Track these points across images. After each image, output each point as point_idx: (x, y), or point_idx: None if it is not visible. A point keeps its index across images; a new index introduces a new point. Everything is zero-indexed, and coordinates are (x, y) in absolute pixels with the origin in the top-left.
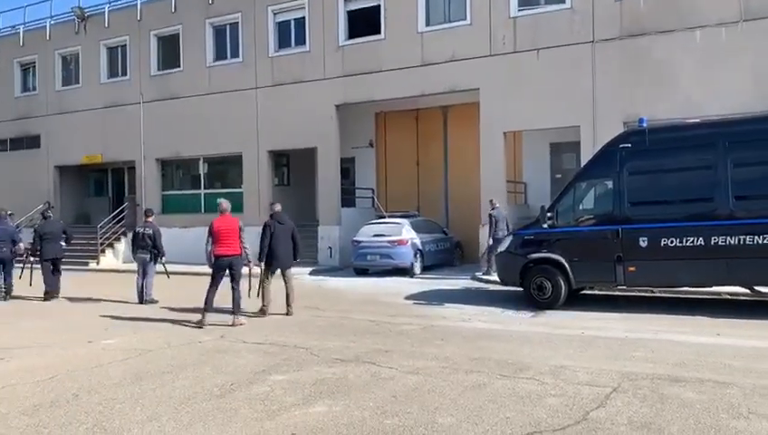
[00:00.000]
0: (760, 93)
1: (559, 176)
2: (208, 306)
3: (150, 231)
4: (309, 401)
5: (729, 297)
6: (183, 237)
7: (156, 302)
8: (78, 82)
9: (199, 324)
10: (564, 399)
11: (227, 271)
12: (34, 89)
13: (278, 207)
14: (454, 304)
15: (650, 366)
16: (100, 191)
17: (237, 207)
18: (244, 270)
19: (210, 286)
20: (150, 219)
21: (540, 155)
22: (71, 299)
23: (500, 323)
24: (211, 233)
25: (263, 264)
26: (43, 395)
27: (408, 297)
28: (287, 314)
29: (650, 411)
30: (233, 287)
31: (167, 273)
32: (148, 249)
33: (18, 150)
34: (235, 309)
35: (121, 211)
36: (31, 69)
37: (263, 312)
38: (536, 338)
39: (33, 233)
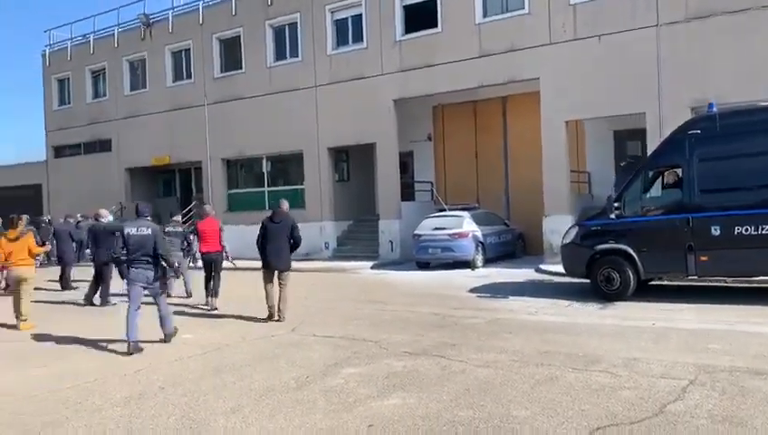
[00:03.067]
0: None
1: (623, 164)
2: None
3: (148, 231)
4: (383, 393)
5: None
6: (248, 235)
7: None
8: (145, 87)
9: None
10: (639, 391)
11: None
12: (105, 94)
13: (284, 205)
14: (518, 296)
15: (728, 358)
16: (168, 191)
17: (299, 203)
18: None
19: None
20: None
21: (603, 143)
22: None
23: (567, 316)
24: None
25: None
26: (132, 388)
27: (471, 290)
28: (278, 320)
29: (731, 404)
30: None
31: (232, 262)
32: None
33: (91, 154)
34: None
35: (190, 209)
36: (101, 75)
37: (270, 315)
38: (606, 330)
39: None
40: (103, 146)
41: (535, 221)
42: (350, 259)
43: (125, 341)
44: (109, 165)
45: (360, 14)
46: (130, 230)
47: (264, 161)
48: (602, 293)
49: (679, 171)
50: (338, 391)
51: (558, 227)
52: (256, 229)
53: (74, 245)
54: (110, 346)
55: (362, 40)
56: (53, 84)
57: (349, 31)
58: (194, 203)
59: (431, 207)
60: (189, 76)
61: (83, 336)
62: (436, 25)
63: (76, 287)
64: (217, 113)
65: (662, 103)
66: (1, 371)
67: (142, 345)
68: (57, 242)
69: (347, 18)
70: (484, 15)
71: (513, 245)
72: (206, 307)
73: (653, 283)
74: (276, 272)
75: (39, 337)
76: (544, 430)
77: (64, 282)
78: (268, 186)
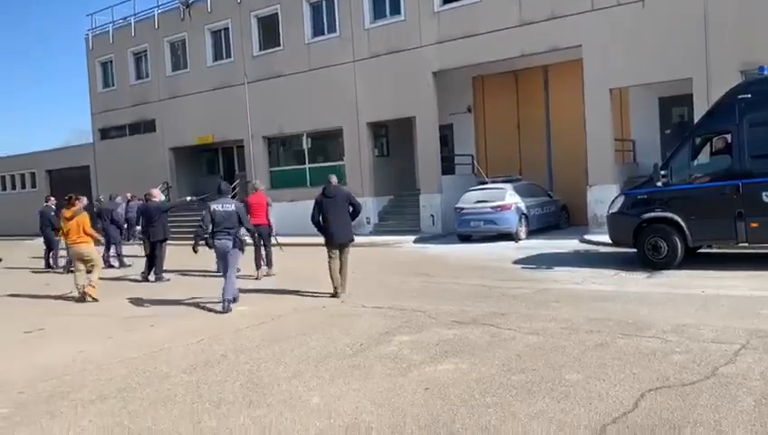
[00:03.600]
0: None
1: (668, 132)
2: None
3: (233, 208)
4: (436, 359)
5: None
6: (292, 211)
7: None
8: (186, 67)
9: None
10: (690, 355)
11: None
12: (147, 76)
13: (333, 179)
14: (563, 266)
15: None
16: (212, 170)
17: (340, 179)
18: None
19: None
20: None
21: (648, 111)
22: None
23: (614, 285)
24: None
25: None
26: (196, 356)
27: (515, 262)
28: (333, 296)
29: None
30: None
31: (279, 245)
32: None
33: (136, 135)
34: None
35: (234, 188)
36: (143, 57)
37: (335, 294)
38: (654, 298)
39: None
40: (147, 127)
41: (579, 192)
42: (392, 234)
43: (184, 312)
44: (153, 145)
45: None
46: (216, 207)
47: (304, 138)
48: (649, 262)
49: (728, 137)
50: (392, 357)
51: (603, 196)
52: (299, 206)
53: (114, 225)
54: (171, 318)
55: (400, 12)
56: (97, 67)
57: (386, 3)
58: (237, 181)
59: (472, 181)
60: (229, 55)
61: (143, 310)
62: None
63: (130, 265)
64: (258, 91)
65: (710, 67)
66: (69, 342)
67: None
68: (101, 221)
69: None
70: None
71: (557, 216)
72: (255, 279)
73: (701, 251)
74: (340, 245)
75: (101, 311)
76: (597, 391)
77: (114, 259)
78: (309, 162)
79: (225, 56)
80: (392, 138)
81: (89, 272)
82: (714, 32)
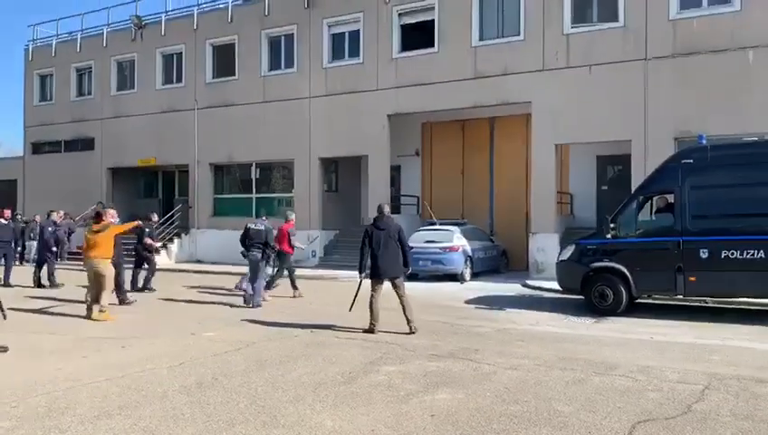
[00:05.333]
0: None
1: (605, 188)
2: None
3: (263, 227)
4: (429, 389)
5: None
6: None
7: (260, 305)
8: (133, 88)
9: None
10: (663, 393)
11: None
12: (90, 93)
13: (386, 209)
14: (514, 308)
15: (732, 368)
16: (150, 193)
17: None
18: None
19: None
20: (264, 219)
21: (586, 167)
22: (147, 296)
23: (569, 328)
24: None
25: (362, 275)
26: (184, 378)
27: (467, 302)
28: (410, 333)
29: (747, 406)
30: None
31: None
32: (260, 248)
33: (73, 152)
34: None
35: (172, 214)
36: (86, 74)
37: (371, 330)
38: (610, 341)
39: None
40: (85, 144)
41: (518, 238)
42: (338, 268)
43: (148, 334)
44: (89, 163)
45: (358, 30)
46: (251, 226)
47: (254, 168)
48: (595, 308)
49: (671, 197)
50: (385, 385)
51: (544, 245)
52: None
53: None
54: (140, 340)
55: (358, 55)
56: (35, 80)
57: (345, 45)
58: (179, 206)
59: (417, 221)
60: (180, 80)
61: (106, 331)
62: (432, 45)
63: (62, 284)
64: (207, 118)
65: (648, 132)
66: (41, 360)
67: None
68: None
69: (344, 33)
70: (480, 39)
71: (498, 260)
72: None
73: (639, 300)
74: (389, 280)
75: (58, 330)
76: (591, 422)
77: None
78: (256, 192)
79: (175, 80)
80: (342, 174)
81: (104, 290)
82: (652, 101)
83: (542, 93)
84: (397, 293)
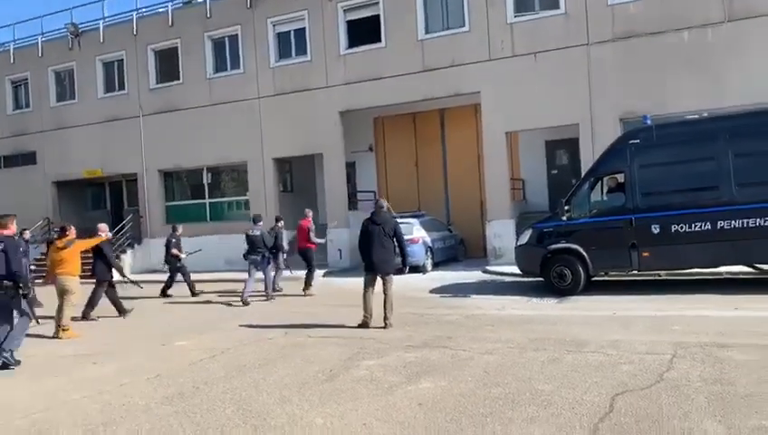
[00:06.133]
0: (746, 91)
1: (555, 172)
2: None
3: (259, 233)
4: (412, 379)
5: (730, 276)
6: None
7: (273, 297)
8: (74, 98)
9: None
10: (634, 365)
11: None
12: (28, 105)
13: (383, 204)
14: (478, 295)
15: (694, 336)
16: (98, 205)
17: (243, 214)
18: None
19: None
20: (260, 224)
21: (536, 153)
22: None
23: (533, 310)
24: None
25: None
26: (165, 389)
27: (432, 291)
28: (384, 328)
29: (714, 371)
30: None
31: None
32: (260, 251)
33: (14, 167)
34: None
35: (123, 225)
36: (23, 86)
37: (365, 324)
38: (575, 320)
39: None
40: (26, 159)
41: (474, 226)
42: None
43: (116, 350)
44: (33, 178)
45: (303, 28)
46: (249, 232)
47: (205, 172)
48: (555, 289)
49: (620, 177)
50: (368, 379)
51: (500, 231)
52: (197, 241)
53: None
54: (110, 356)
55: (306, 53)
56: None
57: (292, 44)
58: (129, 216)
59: None
60: (123, 87)
61: (75, 348)
62: (380, 40)
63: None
64: (154, 125)
65: (594, 115)
66: (13, 380)
67: None
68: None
69: (289, 31)
70: (426, 32)
71: (456, 249)
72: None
73: (595, 278)
74: (380, 276)
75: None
76: (573, 398)
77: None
78: (209, 197)
79: (117, 88)
80: (296, 173)
81: (65, 309)
82: (596, 84)
83: (490, 83)
84: (384, 287)
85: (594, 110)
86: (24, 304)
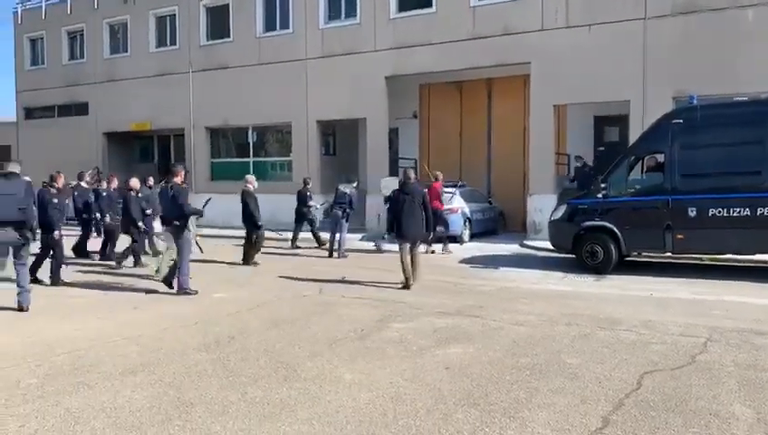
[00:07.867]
0: None
1: (602, 148)
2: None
3: (349, 191)
4: (441, 344)
5: (765, 265)
6: (231, 203)
7: (346, 256)
8: (126, 51)
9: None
10: (667, 346)
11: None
12: (82, 57)
13: (410, 175)
14: (513, 268)
15: (731, 322)
16: (145, 157)
17: (286, 175)
18: None
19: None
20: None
21: (584, 128)
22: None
23: (569, 286)
24: None
25: (391, 234)
26: (203, 337)
27: (467, 262)
28: (404, 287)
29: (748, 356)
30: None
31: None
32: (342, 207)
33: (66, 117)
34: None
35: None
36: (78, 37)
37: (407, 286)
38: (611, 298)
39: None
40: (79, 109)
41: (515, 199)
42: None
43: (158, 298)
44: (84, 129)
45: None
46: (340, 187)
47: (250, 131)
48: (586, 265)
49: (660, 157)
50: (398, 341)
51: (542, 205)
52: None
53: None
54: (150, 303)
55: (355, 15)
56: (26, 44)
57: (342, 6)
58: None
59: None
60: (174, 43)
61: (115, 294)
62: (430, 5)
63: None
64: (203, 81)
65: (646, 92)
66: (56, 321)
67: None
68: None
69: None
70: None
71: (495, 221)
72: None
73: (628, 259)
74: (408, 244)
75: (73, 293)
76: (601, 372)
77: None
78: (253, 156)
79: (169, 43)
80: (339, 137)
81: None
82: (651, 60)
83: (542, 54)
84: (411, 253)
85: (647, 87)
86: (186, 233)
